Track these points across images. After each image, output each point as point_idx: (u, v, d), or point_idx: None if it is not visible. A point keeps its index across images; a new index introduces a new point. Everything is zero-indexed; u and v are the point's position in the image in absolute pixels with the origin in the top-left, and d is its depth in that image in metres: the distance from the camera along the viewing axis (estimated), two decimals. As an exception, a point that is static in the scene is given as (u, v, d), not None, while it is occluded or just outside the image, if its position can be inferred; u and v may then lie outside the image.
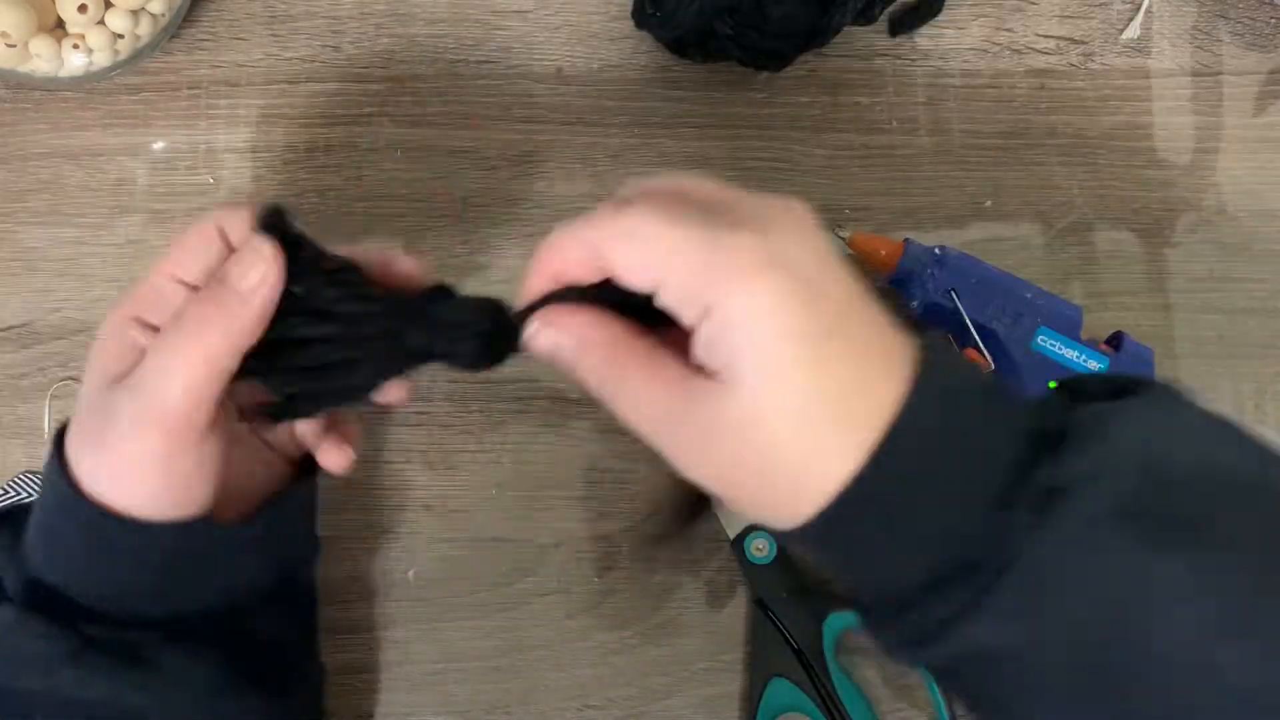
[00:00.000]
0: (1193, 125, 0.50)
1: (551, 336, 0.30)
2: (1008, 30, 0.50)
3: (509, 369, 0.33)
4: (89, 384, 0.33)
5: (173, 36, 0.48)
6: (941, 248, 0.45)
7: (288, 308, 0.32)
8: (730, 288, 0.27)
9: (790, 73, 0.48)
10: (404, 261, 0.35)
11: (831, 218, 0.49)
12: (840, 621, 0.45)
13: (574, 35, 0.49)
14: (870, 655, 0.47)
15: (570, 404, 0.47)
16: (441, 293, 0.34)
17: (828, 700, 0.45)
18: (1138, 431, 0.28)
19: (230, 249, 0.33)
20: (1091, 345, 0.45)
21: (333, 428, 0.39)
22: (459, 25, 0.49)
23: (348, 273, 0.34)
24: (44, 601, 0.34)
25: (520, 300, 0.31)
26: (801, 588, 0.46)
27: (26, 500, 0.38)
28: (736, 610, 0.47)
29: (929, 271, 0.45)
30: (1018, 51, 0.50)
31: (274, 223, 0.33)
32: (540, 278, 0.31)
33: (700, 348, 0.28)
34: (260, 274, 0.32)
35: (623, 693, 0.46)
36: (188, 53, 0.48)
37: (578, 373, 0.30)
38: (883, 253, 0.46)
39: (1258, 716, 0.25)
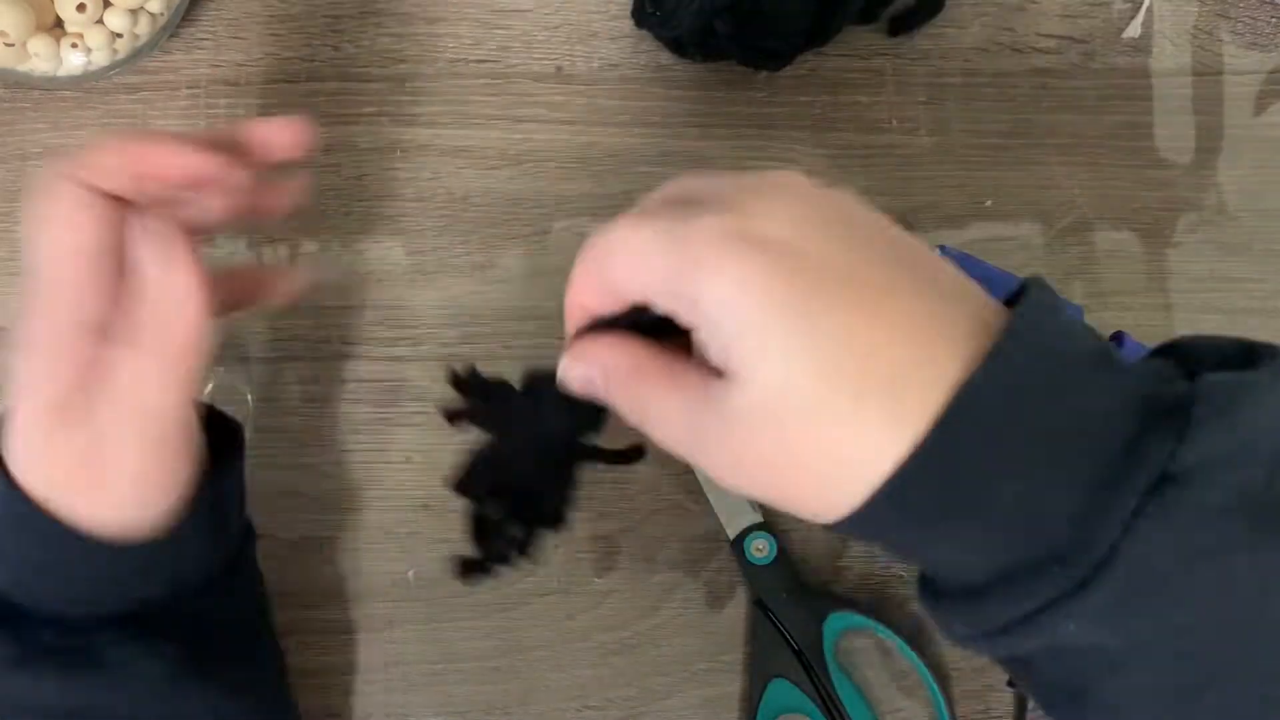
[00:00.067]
0: (1194, 125, 0.50)
1: (579, 370, 0.29)
2: (1008, 29, 0.50)
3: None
4: (31, 398, 0.31)
5: (171, 36, 0.48)
6: (942, 247, 0.45)
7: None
8: (699, 275, 0.25)
9: (790, 72, 0.48)
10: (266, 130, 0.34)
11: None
12: (840, 622, 0.45)
13: (573, 34, 0.49)
14: (870, 655, 0.47)
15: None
16: (532, 385, 0.33)
17: (828, 701, 0.45)
18: (1272, 412, 0.24)
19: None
20: (1092, 345, 0.45)
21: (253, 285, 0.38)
22: (459, 24, 0.49)
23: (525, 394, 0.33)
24: None
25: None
26: (801, 588, 0.46)
27: None
28: (736, 611, 0.47)
29: (929, 271, 0.45)
30: (1018, 51, 0.50)
31: (471, 385, 0.33)
32: (573, 315, 0.30)
33: (702, 347, 0.26)
34: (185, 288, 0.31)
35: (622, 693, 0.46)
36: (187, 52, 0.48)
37: (611, 402, 0.29)
38: (883, 253, 0.46)
39: None
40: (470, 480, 0.33)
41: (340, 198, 0.48)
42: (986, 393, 0.24)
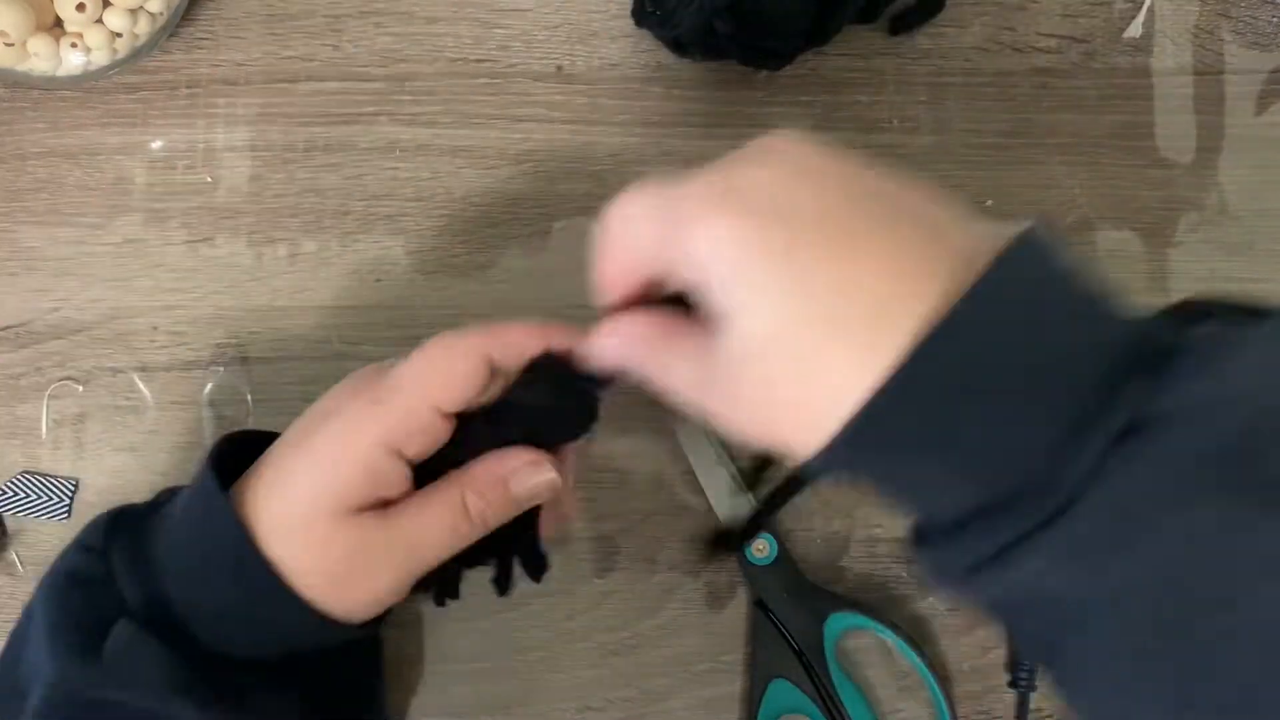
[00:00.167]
0: (1195, 124, 0.50)
1: (613, 342, 0.31)
2: (1009, 29, 0.50)
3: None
4: (316, 495, 0.33)
5: (171, 35, 0.48)
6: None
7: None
8: (690, 231, 0.27)
9: (790, 72, 0.48)
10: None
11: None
12: (841, 622, 0.45)
13: (574, 34, 0.49)
14: (871, 656, 0.46)
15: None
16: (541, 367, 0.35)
17: (828, 701, 0.45)
18: (1259, 363, 0.24)
19: (492, 374, 0.33)
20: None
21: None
22: (458, 24, 0.49)
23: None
24: (162, 620, 0.33)
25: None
26: (802, 588, 0.46)
27: (140, 506, 0.38)
28: (737, 611, 0.47)
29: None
30: (1019, 50, 0.50)
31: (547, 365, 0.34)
32: (604, 289, 0.31)
33: (705, 306, 0.28)
34: (538, 489, 0.34)
35: (622, 694, 0.46)
36: (186, 51, 0.48)
37: (639, 368, 0.31)
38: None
39: None
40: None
41: (340, 198, 0.48)
42: (960, 327, 0.24)
